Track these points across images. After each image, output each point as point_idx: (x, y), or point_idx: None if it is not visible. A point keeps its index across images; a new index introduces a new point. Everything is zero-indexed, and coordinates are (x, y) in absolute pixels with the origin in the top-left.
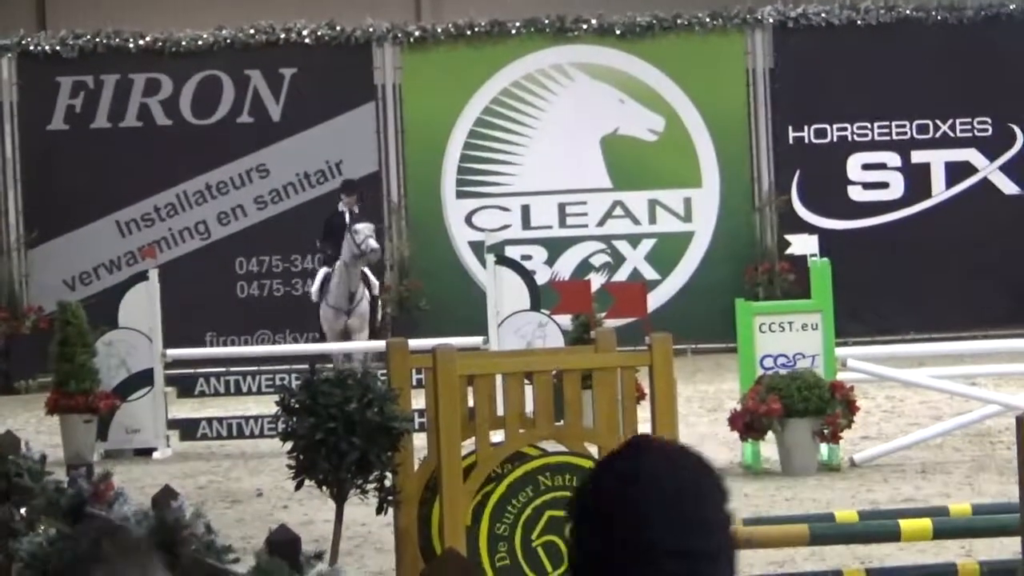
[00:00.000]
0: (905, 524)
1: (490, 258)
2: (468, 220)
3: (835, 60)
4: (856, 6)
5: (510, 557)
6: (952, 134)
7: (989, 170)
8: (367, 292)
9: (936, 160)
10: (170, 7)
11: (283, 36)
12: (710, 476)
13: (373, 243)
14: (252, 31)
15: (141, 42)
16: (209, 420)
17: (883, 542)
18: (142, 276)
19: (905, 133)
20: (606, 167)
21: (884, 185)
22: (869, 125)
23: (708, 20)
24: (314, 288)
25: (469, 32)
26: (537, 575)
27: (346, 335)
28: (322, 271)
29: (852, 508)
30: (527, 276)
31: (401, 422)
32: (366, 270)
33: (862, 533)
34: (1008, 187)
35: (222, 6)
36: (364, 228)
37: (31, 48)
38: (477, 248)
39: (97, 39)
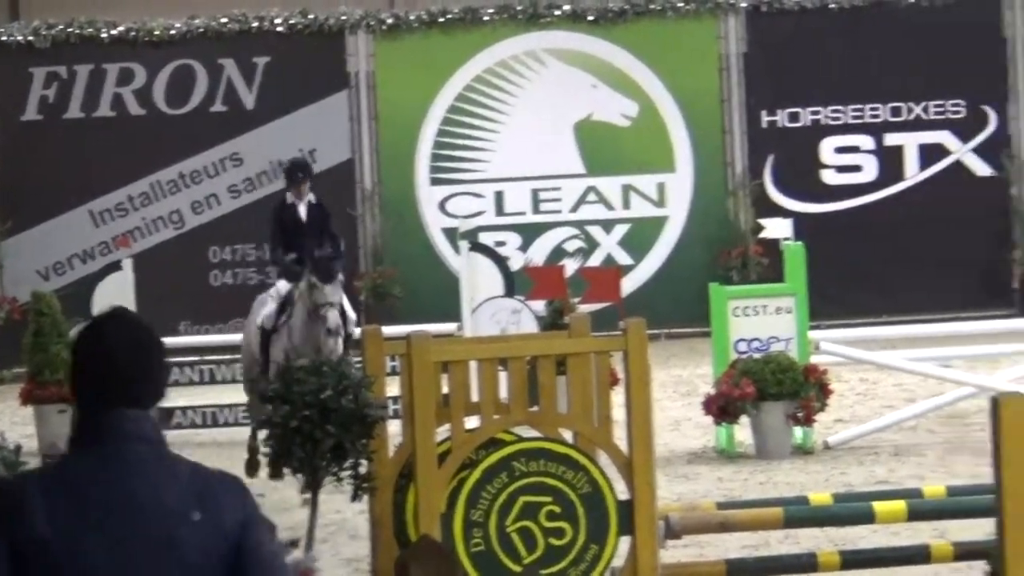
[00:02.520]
0: (879, 506)
1: (464, 244)
2: (442, 207)
3: (808, 44)
4: None
5: (485, 543)
6: (925, 116)
7: (962, 152)
8: (342, 329)
9: (909, 143)
10: None
11: (256, 25)
12: (154, 338)
13: (333, 320)
14: (225, 20)
15: (114, 32)
16: (184, 409)
17: (857, 525)
18: (116, 266)
19: (878, 116)
20: (579, 153)
21: (857, 168)
22: (842, 108)
23: (681, 5)
24: (265, 311)
25: (442, 19)
26: (512, 560)
27: None
28: (279, 288)
29: (826, 491)
30: (501, 262)
31: (376, 409)
32: (344, 303)
33: (836, 516)
34: (981, 169)
35: None
36: (327, 291)
37: (4, 39)
38: (451, 235)
39: (70, 29)
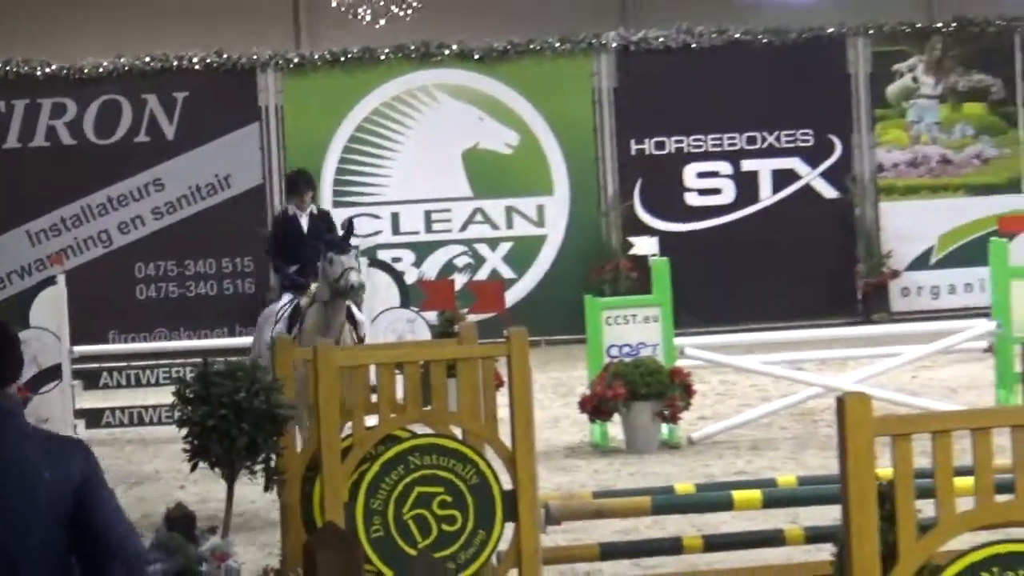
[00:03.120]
0: (737, 495)
1: (364, 261)
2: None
3: (673, 79)
4: (691, 31)
5: (384, 529)
6: (777, 145)
7: (811, 177)
8: (354, 334)
9: (763, 168)
10: (73, 38)
11: (176, 63)
12: (8, 331)
13: (355, 277)
14: (148, 59)
15: (48, 70)
16: (112, 409)
17: (718, 511)
18: (51, 281)
19: (735, 144)
20: (467, 178)
21: (717, 191)
22: (703, 137)
23: (558, 45)
24: (279, 327)
25: (343, 58)
26: (408, 545)
27: None
28: (286, 301)
29: (690, 481)
30: (397, 277)
31: (285, 409)
32: (351, 305)
33: (699, 504)
34: (828, 191)
35: (120, 36)
36: (344, 259)
37: None
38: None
39: (8, 68)
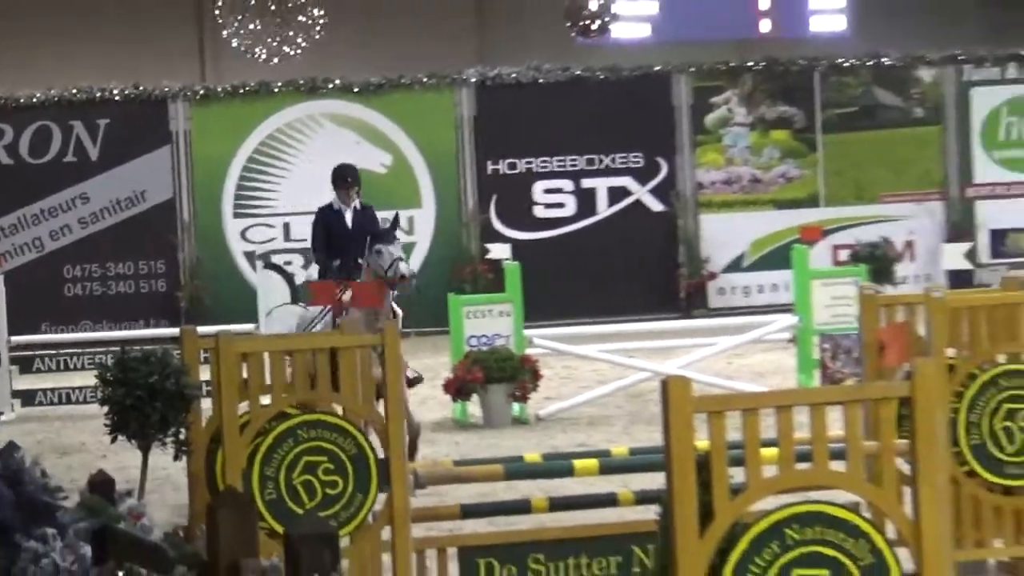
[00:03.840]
0: (578, 463)
1: (259, 264)
2: (243, 235)
3: (523, 110)
4: (539, 68)
5: (276, 493)
6: (613, 165)
7: (641, 193)
8: (415, 278)
9: (601, 185)
10: (12, 73)
11: (99, 95)
12: None
13: (404, 268)
14: (75, 91)
15: None
16: (44, 391)
17: (561, 477)
18: None
19: (576, 165)
20: None
21: (561, 205)
22: (549, 159)
23: (425, 80)
24: (319, 327)
25: (242, 91)
26: (297, 505)
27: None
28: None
29: (537, 452)
30: (288, 277)
31: (192, 390)
32: (392, 303)
33: (545, 470)
34: (656, 206)
35: (51, 71)
36: (391, 249)
37: None
38: (250, 256)
39: None
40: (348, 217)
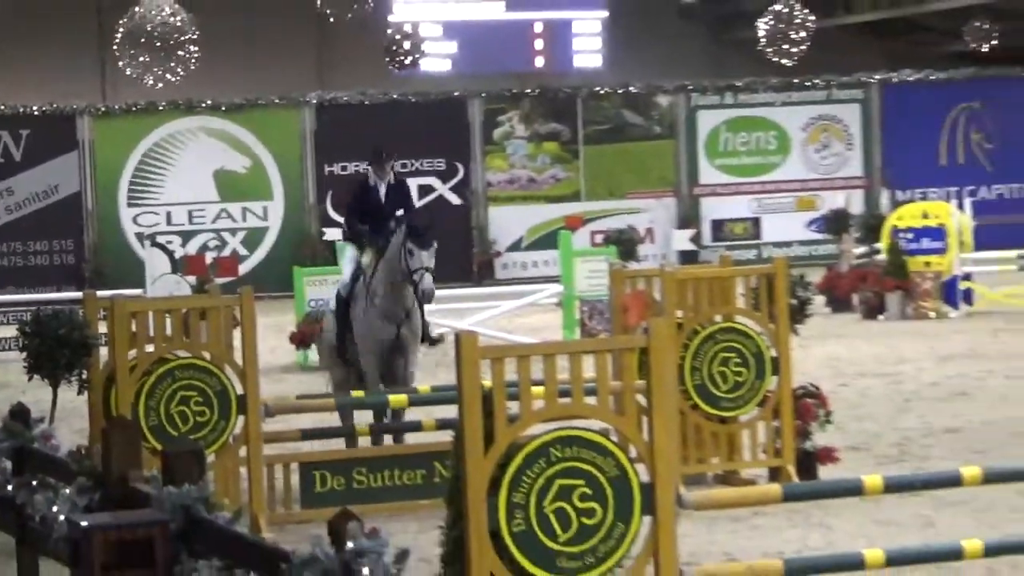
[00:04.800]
0: (393, 398)
1: (147, 243)
2: (134, 220)
3: (353, 125)
4: (365, 92)
5: (157, 420)
6: (422, 168)
7: (444, 190)
8: (433, 294)
9: (412, 184)
10: None
11: (21, 110)
12: None
13: (428, 283)
14: (2, 107)
15: None
16: None
17: (381, 409)
18: None
19: (394, 168)
20: (216, 188)
21: None
22: None
23: (277, 100)
24: (343, 280)
25: (134, 108)
26: (173, 430)
27: (396, 348)
28: (351, 259)
29: (362, 390)
30: (169, 253)
31: (93, 340)
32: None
33: (368, 404)
34: (455, 200)
35: None
36: (423, 256)
37: None
38: (140, 237)
39: None
40: (382, 191)
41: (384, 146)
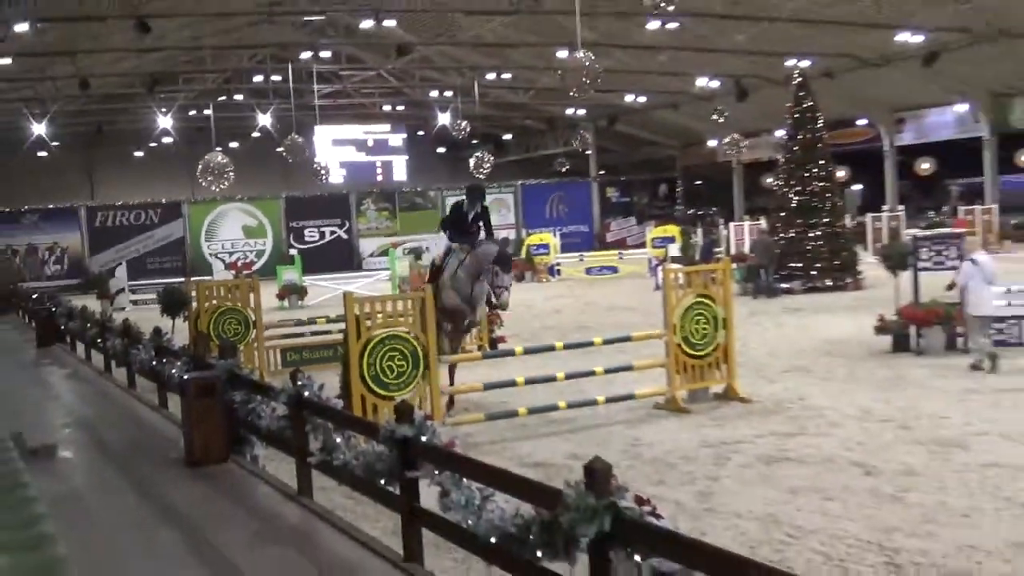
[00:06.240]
0: (320, 321)
1: (213, 257)
2: (208, 247)
3: (302, 204)
4: (304, 190)
5: (215, 331)
6: (328, 222)
7: (340, 232)
8: (508, 304)
9: (327, 230)
10: None
11: (161, 200)
12: None
13: (506, 298)
14: (163, 199)
15: None
16: None
17: (311, 327)
18: None
19: (319, 223)
20: (242, 232)
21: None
22: None
23: (268, 196)
24: (437, 253)
25: (207, 200)
26: (222, 336)
27: (461, 310)
28: (449, 249)
29: (305, 315)
30: (223, 262)
31: (188, 299)
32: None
33: (303, 322)
34: (344, 236)
35: None
36: (505, 279)
37: None
38: (210, 255)
39: None
40: (470, 216)
41: (476, 189)
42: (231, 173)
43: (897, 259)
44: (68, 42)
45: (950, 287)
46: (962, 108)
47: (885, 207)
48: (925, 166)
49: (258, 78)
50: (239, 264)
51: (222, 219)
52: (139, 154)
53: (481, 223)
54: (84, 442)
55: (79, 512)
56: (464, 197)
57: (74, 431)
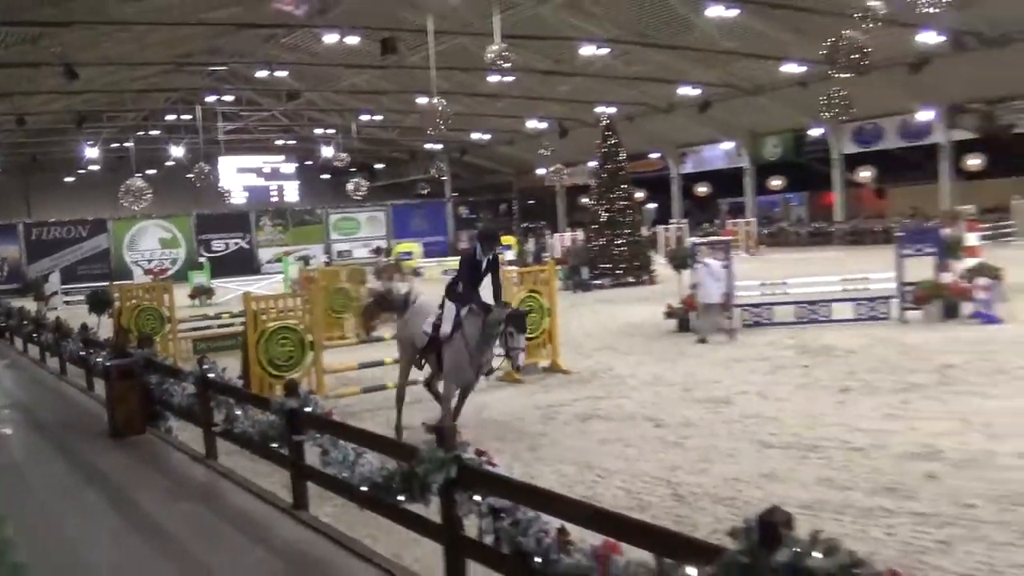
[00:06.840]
0: (225, 317)
1: (134, 265)
2: (129, 256)
3: (211, 220)
4: (211, 208)
5: (135, 325)
6: (233, 236)
7: (243, 243)
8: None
9: (232, 242)
10: None
11: (88, 218)
12: None
13: (522, 360)
14: (89, 218)
15: None
16: None
17: (233, 316)
18: None
19: (226, 237)
20: (159, 244)
21: None
22: None
23: (181, 213)
24: (444, 328)
25: (127, 217)
26: (141, 328)
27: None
28: (448, 308)
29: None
30: (143, 269)
31: (112, 298)
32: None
33: (225, 313)
34: (246, 247)
35: None
36: (520, 339)
37: None
38: (132, 263)
39: None
40: (483, 263)
41: (491, 232)
42: (149, 195)
43: (680, 260)
44: (7, 85)
45: (693, 286)
46: (729, 145)
47: (672, 220)
48: (702, 189)
49: (171, 117)
50: (156, 270)
51: (142, 233)
52: (69, 179)
53: (491, 274)
54: (20, 420)
55: (17, 479)
56: (476, 244)
57: (12, 412)
